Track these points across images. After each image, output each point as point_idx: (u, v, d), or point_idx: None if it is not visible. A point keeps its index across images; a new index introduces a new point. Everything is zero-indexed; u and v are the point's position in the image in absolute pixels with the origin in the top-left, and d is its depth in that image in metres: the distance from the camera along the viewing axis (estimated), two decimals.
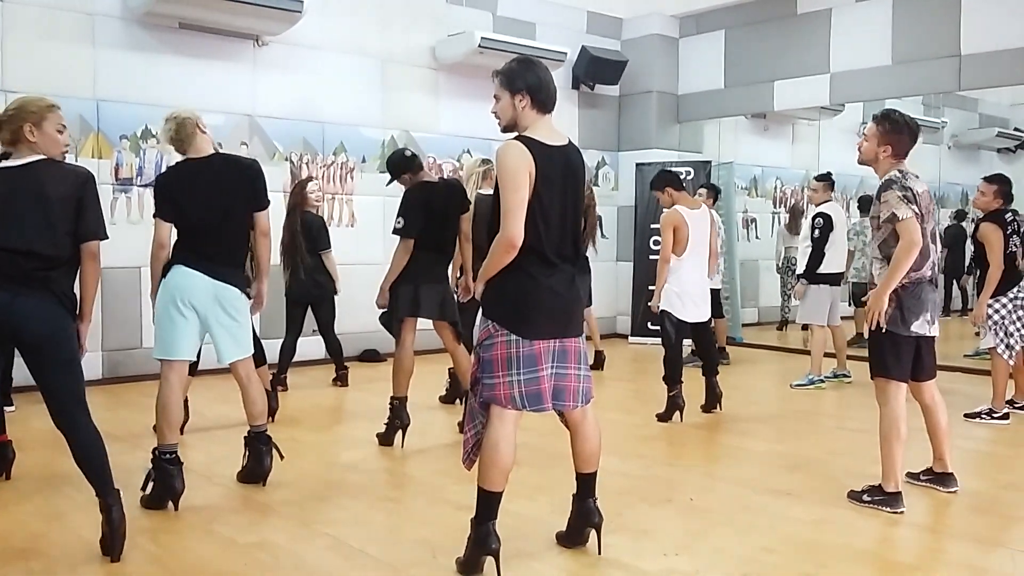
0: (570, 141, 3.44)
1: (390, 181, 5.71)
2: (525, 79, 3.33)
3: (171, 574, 3.38)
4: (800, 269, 7.69)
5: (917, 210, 4.07)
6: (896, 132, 4.24)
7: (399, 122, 9.15)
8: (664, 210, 6.38)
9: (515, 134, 3.34)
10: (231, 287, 4.26)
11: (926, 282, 4.19)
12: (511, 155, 3.22)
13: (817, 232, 7.44)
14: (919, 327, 4.17)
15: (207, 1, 7.36)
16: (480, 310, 3.44)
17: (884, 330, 4.14)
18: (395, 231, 5.32)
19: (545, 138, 3.30)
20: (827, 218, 7.46)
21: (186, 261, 4.17)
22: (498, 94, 3.38)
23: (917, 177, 4.24)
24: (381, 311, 5.47)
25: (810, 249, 7.49)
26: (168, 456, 4.10)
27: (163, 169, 7.53)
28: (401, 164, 5.57)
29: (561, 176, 3.31)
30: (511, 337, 3.25)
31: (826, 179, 7.72)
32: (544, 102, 3.35)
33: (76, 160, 7.15)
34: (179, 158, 4.38)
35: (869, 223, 4.36)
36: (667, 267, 6.13)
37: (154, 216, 4.24)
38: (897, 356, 4.17)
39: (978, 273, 6.32)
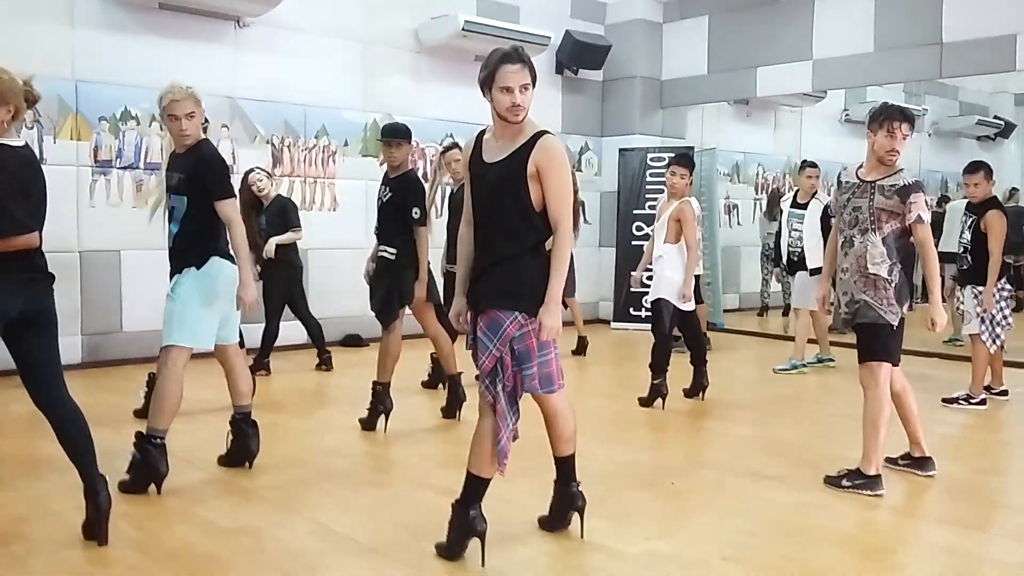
0: None
1: (390, 138, 5.41)
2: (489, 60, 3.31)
3: (154, 559, 3.37)
4: (815, 260, 7.32)
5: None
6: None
7: (381, 105, 9.09)
8: (666, 191, 6.38)
9: (543, 128, 3.30)
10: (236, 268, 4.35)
11: (902, 269, 4.30)
12: (562, 147, 3.29)
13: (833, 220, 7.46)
14: (906, 308, 4.29)
15: None
16: (484, 303, 3.31)
17: (893, 326, 4.23)
18: (415, 222, 5.26)
19: None
20: None
21: (224, 253, 4.21)
22: (528, 84, 3.23)
23: None
24: (380, 303, 5.39)
25: (823, 238, 7.42)
26: (156, 440, 4.09)
27: (144, 151, 7.59)
28: (408, 133, 5.46)
29: None
30: (534, 324, 3.23)
31: (817, 166, 7.79)
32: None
33: (55, 142, 7.09)
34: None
35: (874, 212, 4.27)
36: (693, 255, 6.11)
37: (231, 196, 4.15)
38: (898, 341, 4.29)
39: (969, 261, 6.30)
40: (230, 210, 4.11)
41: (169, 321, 4.15)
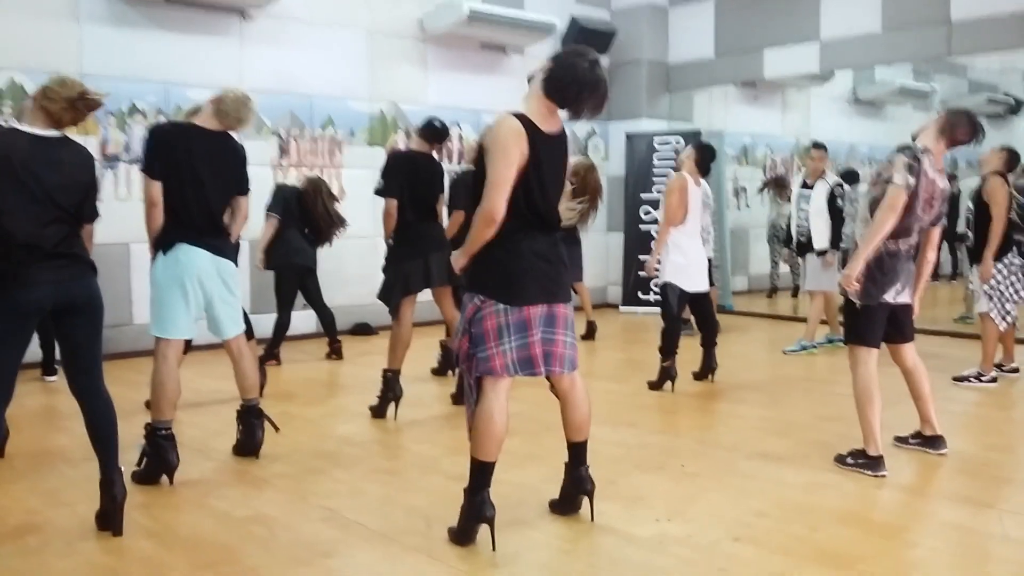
0: (563, 129, 3.39)
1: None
2: (550, 61, 3.28)
3: (167, 548, 3.39)
4: (822, 241, 7.51)
5: (913, 183, 4.05)
6: (957, 126, 4.20)
7: (387, 94, 9.10)
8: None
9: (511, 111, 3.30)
10: (228, 260, 4.30)
11: (901, 254, 4.22)
12: (505, 130, 3.20)
13: (840, 201, 7.47)
14: (890, 296, 4.22)
15: None
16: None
17: (858, 304, 4.20)
18: (376, 191, 5.41)
19: (541, 123, 3.26)
20: (844, 187, 7.56)
21: (189, 238, 4.13)
22: None
23: (941, 171, 4.22)
24: (381, 288, 5.46)
25: (830, 219, 7.47)
26: (163, 432, 4.11)
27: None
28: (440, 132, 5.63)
29: (552, 159, 3.30)
30: (499, 307, 3.26)
31: (824, 148, 7.75)
32: (558, 94, 3.25)
33: None
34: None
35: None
36: (668, 231, 6.12)
37: (143, 172, 4.10)
38: (870, 323, 4.23)
39: (973, 237, 6.30)
40: (143, 185, 4.10)
41: (150, 310, 4.23)
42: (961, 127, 4.19)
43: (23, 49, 6.99)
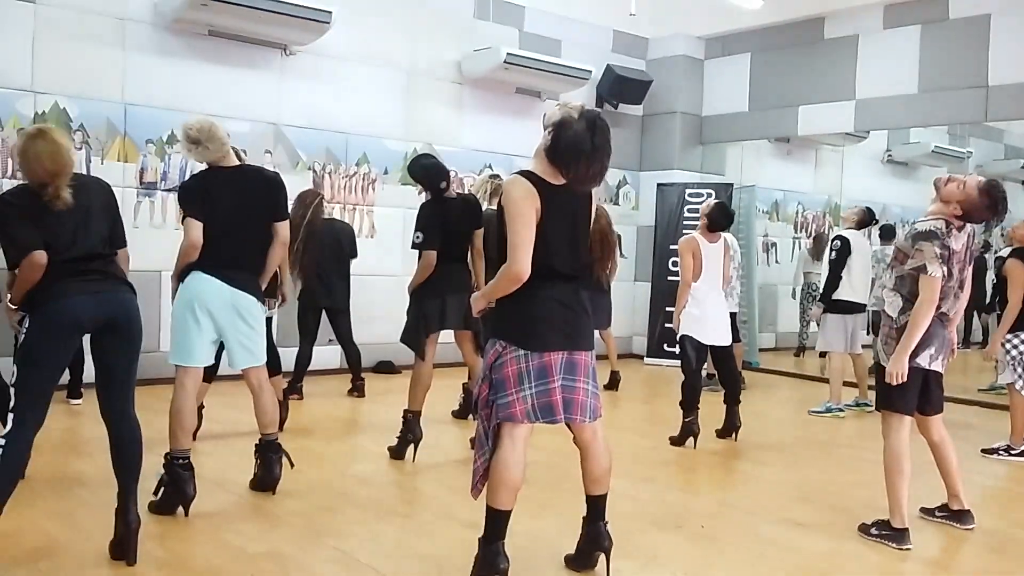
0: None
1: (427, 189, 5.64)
2: (554, 122, 3.30)
3: None
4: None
5: (945, 271, 4.03)
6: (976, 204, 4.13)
7: (422, 135, 9.18)
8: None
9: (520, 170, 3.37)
10: (248, 295, 4.29)
11: (935, 319, 4.13)
12: (518, 192, 3.26)
13: (834, 254, 7.38)
14: (923, 360, 4.14)
15: (237, 9, 7.40)
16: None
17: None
18: (414, 245, 5.35)
19: (550, 178, 3.30)
20: (845, 241, 7.39)
21: (204, 267, 4.17)
22: None
23: (960, 230, 4.16)
24: (403, 331, 5.47)
25: (831, 273, 7.42)
26: (181, 461, 4.11)
27: (187, 175, 7.70)
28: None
29: (566, 209, 3.34)
30: (520, 352, 3.27)
31: (867, 212, 7.68)
32: (559, 163, 3.28)
33: (102, 163, 7.22)
34: (200, 167, 4.40)
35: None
36: (688, 290, 6.11)
37: (186, 216, 4.18)
38: (902, 389, 4.13)
39: (998, 307, 6.26)
40: (186, 227, 4.16)
41: (170, 339, 4.30)
42: (978, 212, 4.13)
43: (68, 75, 7.13)
